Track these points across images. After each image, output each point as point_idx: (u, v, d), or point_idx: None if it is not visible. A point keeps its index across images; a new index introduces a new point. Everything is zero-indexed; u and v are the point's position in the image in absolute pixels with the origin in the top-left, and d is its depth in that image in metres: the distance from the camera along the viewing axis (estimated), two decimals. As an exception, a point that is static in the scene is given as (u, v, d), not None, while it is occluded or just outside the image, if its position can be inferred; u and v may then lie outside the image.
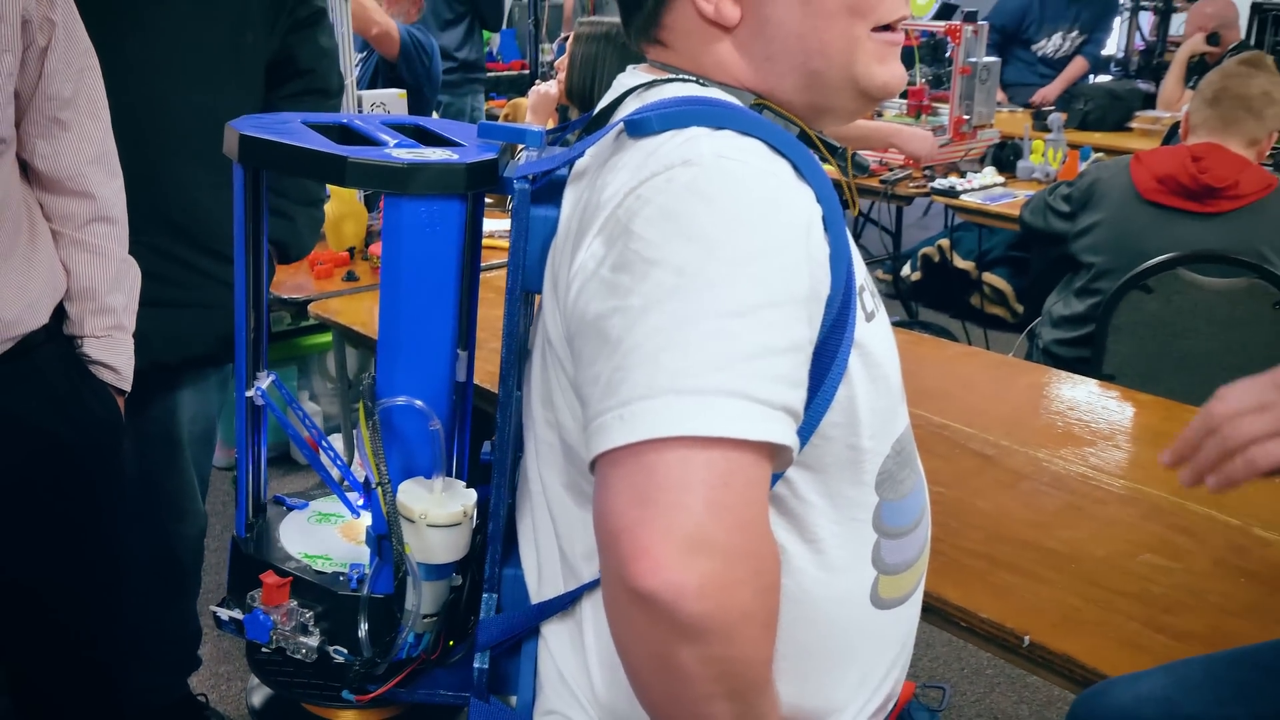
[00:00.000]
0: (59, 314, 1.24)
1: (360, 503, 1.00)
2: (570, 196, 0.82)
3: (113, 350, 1.29)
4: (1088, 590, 1.24)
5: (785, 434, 0.67)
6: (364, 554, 0.95)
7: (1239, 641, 1.08)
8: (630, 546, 0.63)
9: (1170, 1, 6.11)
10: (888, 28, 0.83)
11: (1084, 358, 2.27)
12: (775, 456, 0.67)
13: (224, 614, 0.96)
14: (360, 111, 2.89)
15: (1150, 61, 6.01)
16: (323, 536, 1.04)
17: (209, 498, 1.81)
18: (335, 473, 0.99)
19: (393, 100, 2.98)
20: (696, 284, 0.66)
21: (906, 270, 4.42)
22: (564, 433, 0.81)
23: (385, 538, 0.89)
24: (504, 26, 6.32)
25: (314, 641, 0.93)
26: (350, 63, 3.02)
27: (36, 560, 1.30)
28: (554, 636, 0.86)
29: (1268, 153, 2.33)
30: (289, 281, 2.24)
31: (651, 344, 0.66)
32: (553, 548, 0.85)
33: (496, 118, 3.54)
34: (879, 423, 0.82)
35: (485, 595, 0.89)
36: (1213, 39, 4.63)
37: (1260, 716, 0.96)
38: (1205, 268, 2.14)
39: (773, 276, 0.69)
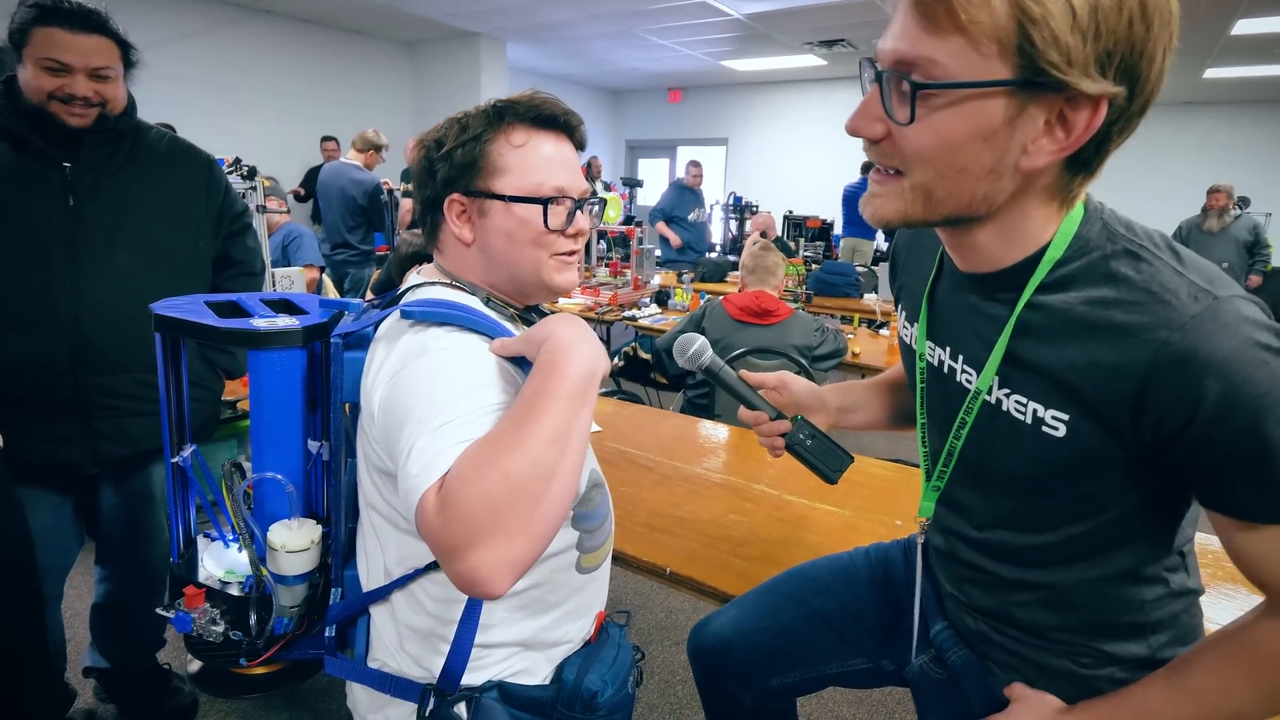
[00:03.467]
0: None
1: (231, 537, 0.90)
2: (374, 347, 0.76)
3: None
4: (700, 539, 1.25)
5: None
6: (256, 570, 0.84)
7: (782, 560, 1.09)
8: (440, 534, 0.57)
9: (743, 215, 6.80)
10: (564, 253, 0.80)
11: (705, 405, 2.35)
12: None
13: (164, 613, 0.86)
14: (275, 283, 2.63)
15: (736, 245, 6.52)
16: (231, 559, 0.91)
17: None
18: (221, 519, 0.89)
19: (295, 276, 2.74)
20: (439, 401, 0.64)
21: (615, 360, 4.54)
22: (378, 483, 0.75)
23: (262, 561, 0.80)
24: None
25: (220, 629, 0.83)
26: (267, 252, 2.76)
27: None
28: (377, 613, 0.80)
29: (782, 292, 2.54)
30: (229, 388, 2.02)
31: (426, 427, 0.62)
32: (378, 558, 0.79)
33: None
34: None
35: (334, 589, 0.83)
36: (764, 234, 4.95)
37: (780, 623, 0.98)
38: (762, 354, 2.29)
39: (477, 394, 0.65)
